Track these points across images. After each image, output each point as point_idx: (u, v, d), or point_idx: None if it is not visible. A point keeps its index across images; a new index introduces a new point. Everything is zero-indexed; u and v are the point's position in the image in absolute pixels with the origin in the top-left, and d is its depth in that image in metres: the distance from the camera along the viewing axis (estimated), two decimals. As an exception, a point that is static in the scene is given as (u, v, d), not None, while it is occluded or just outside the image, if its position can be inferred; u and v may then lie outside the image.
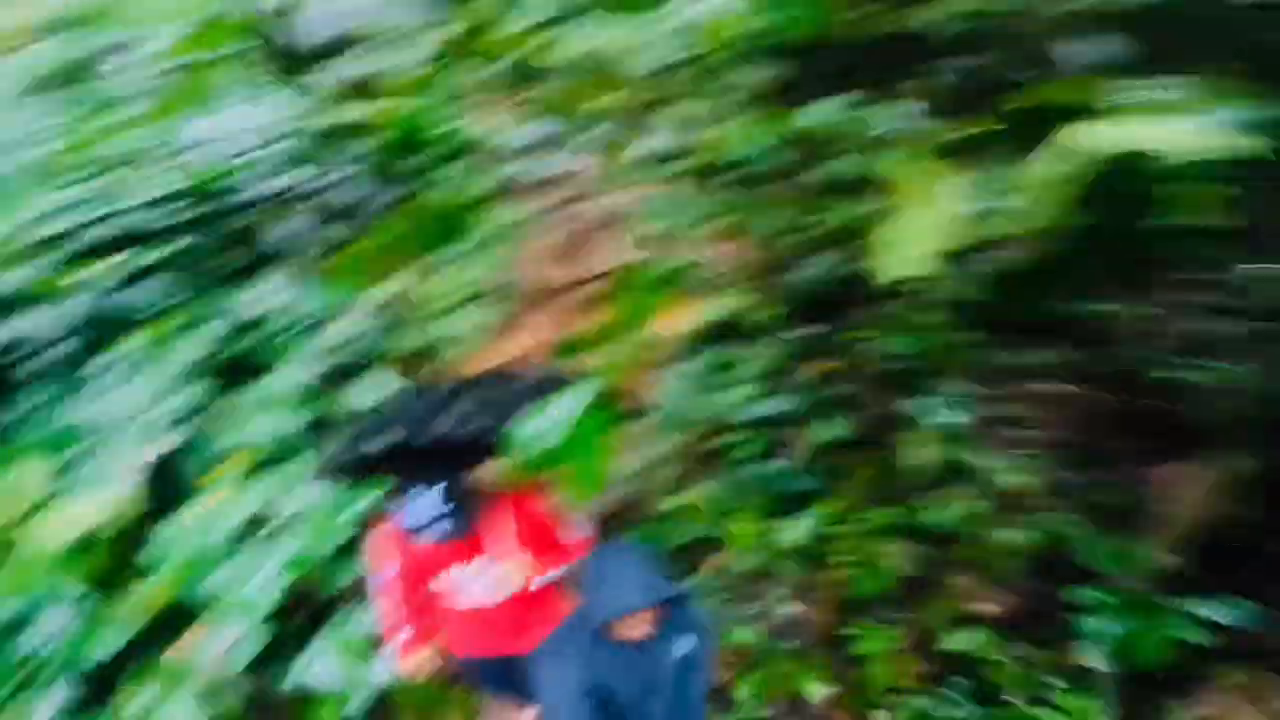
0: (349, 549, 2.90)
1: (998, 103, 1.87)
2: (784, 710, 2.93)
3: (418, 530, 2.03)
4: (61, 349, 3.58)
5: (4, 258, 4.43)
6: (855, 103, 2.77)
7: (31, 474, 2.81)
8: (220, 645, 2.47)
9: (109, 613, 2.55)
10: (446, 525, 2.02)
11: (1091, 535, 2.55)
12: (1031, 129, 1.59)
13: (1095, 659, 2.33)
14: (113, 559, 2.76)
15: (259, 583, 2.56)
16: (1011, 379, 3.00)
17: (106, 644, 2.50)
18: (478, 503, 2.13)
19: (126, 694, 2.44)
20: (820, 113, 2.87)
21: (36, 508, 2.71)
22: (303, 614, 2.91)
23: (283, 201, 4.83)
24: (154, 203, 4.95)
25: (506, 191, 5.52)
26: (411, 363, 4.44)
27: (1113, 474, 2.64)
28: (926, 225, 1.45)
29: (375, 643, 2.69)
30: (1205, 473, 2.61)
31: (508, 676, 2.63)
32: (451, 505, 2.01)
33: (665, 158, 5.59)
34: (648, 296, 2.56)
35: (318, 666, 2.60)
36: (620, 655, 1.85)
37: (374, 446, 2.01)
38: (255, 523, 2.90)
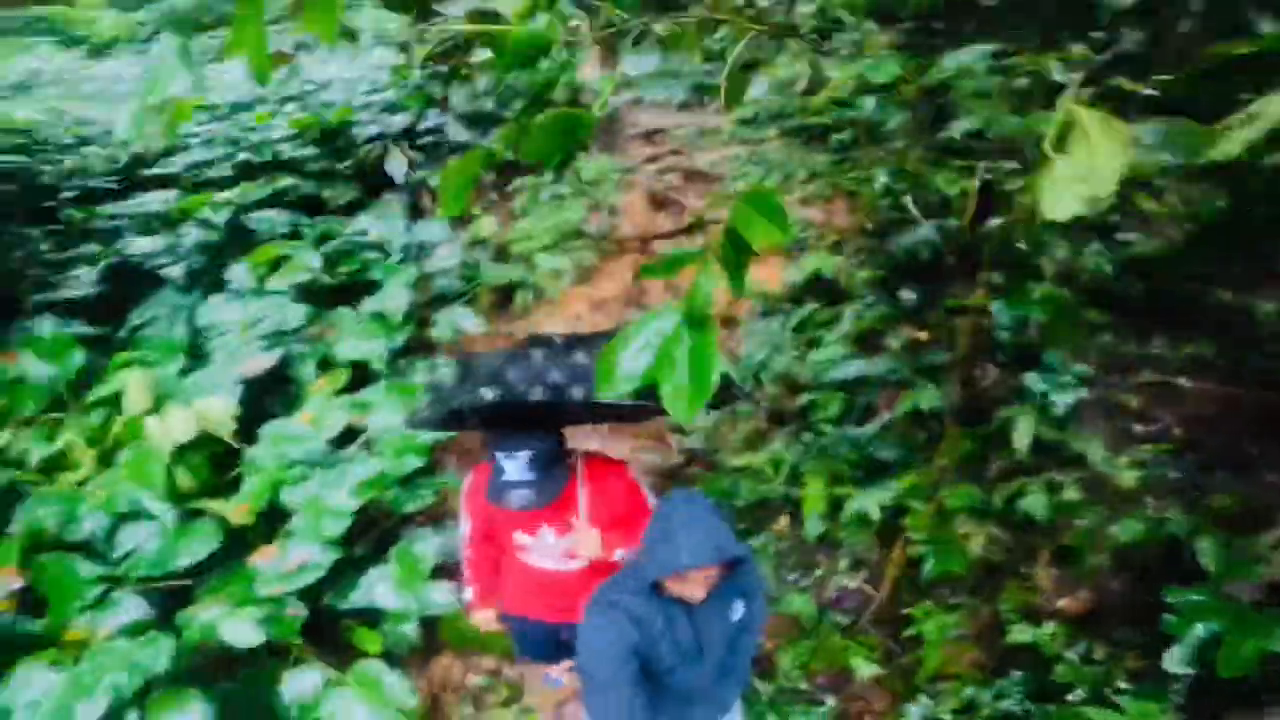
0: (423, 473, 3.02)
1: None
2: (824, 684, 2.81)
3: (499, 496, 1.91)
4: (187, 265, 3.88)
5: (147, 180, 4.89)
6: (1000, 53, 2.48)
7: (146, 380, 3.05)
8: (290, 563, 2.55)
9: (194, 526, 2.65)
10: (528, 494, 1.88)
11: (1203, 536, 2.23)
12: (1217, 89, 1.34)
13: (1176, 663, 2.06)
14: (208, 470, 2.92)
15: (335, 501, 2.65)
16: (1134, 366, 2.67)
17: (186, 557, 2.58)
18: (561, 474, 1.98)
19: (195, 608, 2.51)
20: (958, 61, 2.58)
21: (147, 413, 2.95)
22: (370, 538, 3.05)
23: (395, 140, 5.00)
24: (283, 138, 5.27)
25: (609, 138, 5.48)
26: (500, 297, 4.55)
27: (1239, 476, 2.31)
28: (1096, 167, 1.31)
29: (436, 570, 2.79)
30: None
31: (553, 642, 2.58)
32: (535, 474, 1.88)
33: (774, 115, 5.37)
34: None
35: (380, 588, 2.68)
36: (673, 612, 1.75)
37: (466, 403, 1.89)
38: (341, 438, 3.07)
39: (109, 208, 4.35)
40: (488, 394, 1.84)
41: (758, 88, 4.46)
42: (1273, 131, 1.38)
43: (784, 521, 2.99)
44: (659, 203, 5.15)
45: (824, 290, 3.58)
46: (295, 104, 5.83)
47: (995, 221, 2.50)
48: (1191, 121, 1.46)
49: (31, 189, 4.61)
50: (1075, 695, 2.15)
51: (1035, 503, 2.49)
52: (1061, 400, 2.38)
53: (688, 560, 1.57)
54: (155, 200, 4.45)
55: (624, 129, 5.61)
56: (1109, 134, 1.32)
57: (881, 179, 3.79)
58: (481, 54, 5.17)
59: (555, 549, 2.17)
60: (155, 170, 5.00)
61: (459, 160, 2.14)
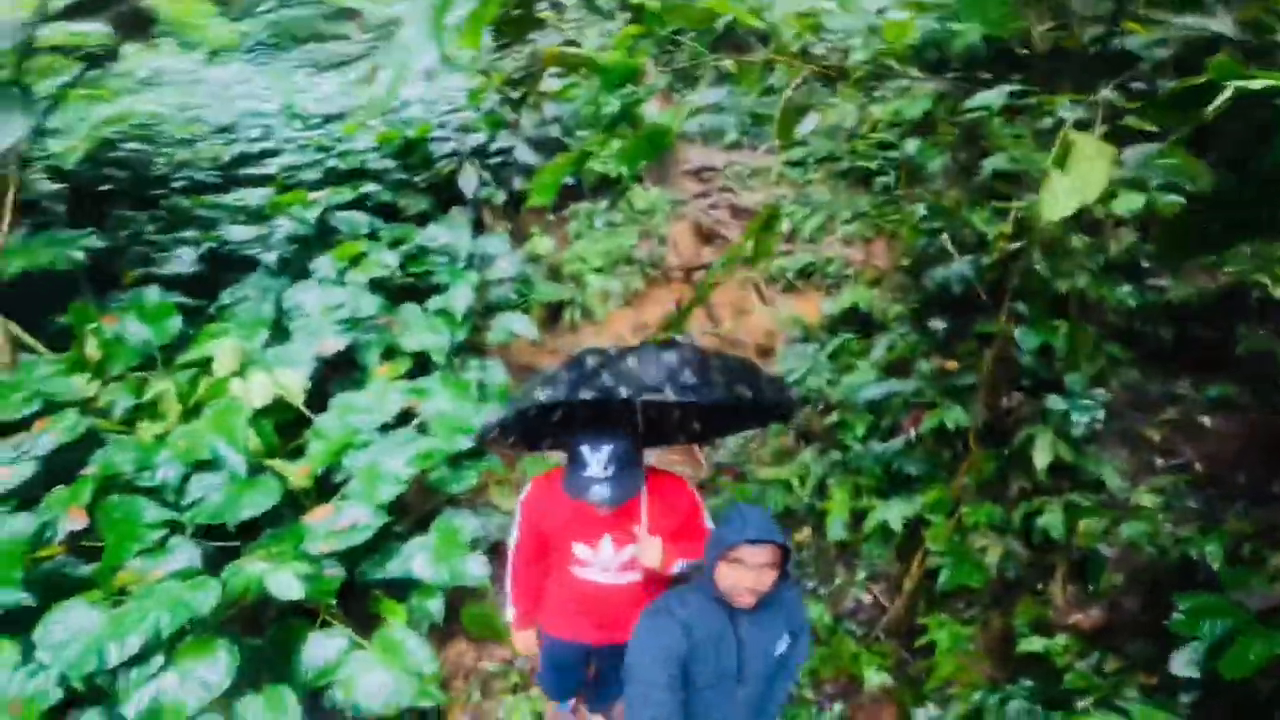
0: (471, 455, 3.17)
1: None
2: (831, 692, 2.86)
3: (577, 489, 1.88)
4: (279, 254, 4.21)
5: (246, 178, 5.31)
6: (1022, 93, 2.66)
7: (234, 347, 3.31)
8: (342, 522, 2.67)
9: (258, 481, 2.80)
10: (606, 490, 1.84)
11: (1215, 542, 2.28)
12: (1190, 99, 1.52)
13: (1183, 666, 2.08)
14: (276, 436, 3.09)
15: (391, 468, 2.81)
16: (1158, 402, 2.74)
17: (248, 509, 2.71)
18: (637, 477, 1.95)
19: (243, 560, 2.61)
20: (985, 100, 2.77)
21: (232, 376, 3.21)
22: (413, 517, 3.20)
23: (468, 157, 5.34)
24: (367, 149, 5.67)
25: (661, 172, 5.76)
26: (549, 314, 4.80)
27: (1258, 506, 2.34)
28: (1087, 178, 1.59)
29: (473, 545, 2.91)
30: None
31: (581, 667, 2.59)
32: (615, 471, 1.85)
33: (821, 159, 5.60)
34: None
35: (418, 558, 2.80)
36: (723, 630, 1.77)
37: (551, 396, 1.80)
38: (398, 420, 3.27)
39: (211, 198, 4.75)
40: (586, 391, 1.77)
41: (807, 124, 4.71)
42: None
43: (807, 532, 3.08)
44: (706, 236, 5.38)
45: (860, 322, 3.73)
46: (380, 119, 6.26)
47: (1021, 253, 2.63)
48: (1178, 149, 1.64)
49: (144, 178, 5.05)
50: (1084, 703, 2.18)
51: (1052, 520, 2.55)
52: (1080, 420, 2.46)
53: (752, 533, 1.64)
54: (254, 195, 4.85)
55: (676, 165, 5.88)
56: (1099, 153, 1.54)
57: (920, 215, 3.95)
58: (550, 83, 5.55)
59: (613, 561, 2.14)
60: (253, 170, 5.44)
61: (554, 160, 2.39)
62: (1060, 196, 1.50)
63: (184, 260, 4.15)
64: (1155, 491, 2.60)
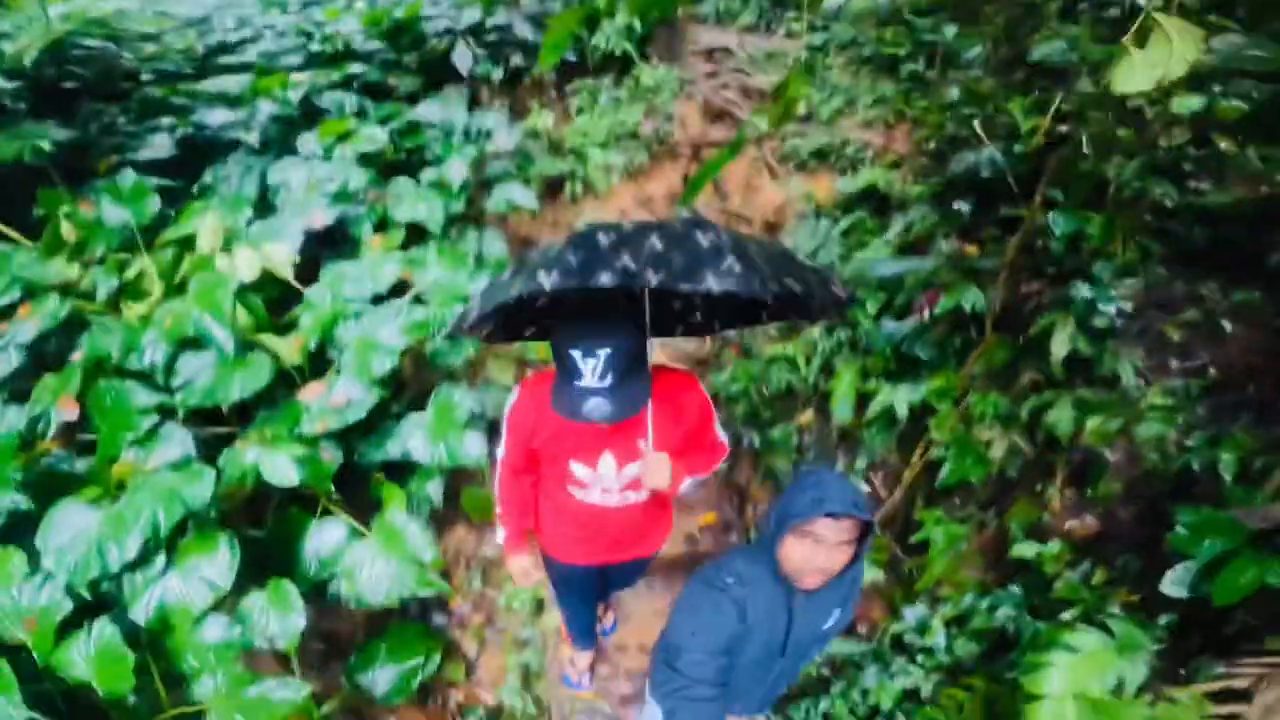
0: (457, 345, 3.03)
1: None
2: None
3: (569, 406, 1.54)
4: (261, 134, 3.95)
5: (222, 67, 4.96)
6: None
7: (217, 223, 3.10)
8: (337, 398, 2.57)
9: (248, 359, 2.68)
10: (605, 404, 1.51)
11: (1225, 450, 2.17)
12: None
13: (1173, 585, 2.02)
14: (265, 312, 2.96)
15: (384, 338, 2.68)
16: (1181, 303, 2.56)
17: (238, 390, 2.60)
18: (643, 383, 1.59)
19: (239, 446, 2.53)
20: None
21: (216, 252, 3.04)
22: (408, 397, 3.08)
23: (462, 34, 4.94)
24: (353, 31, 5.26)
25: (671, 50, 5.33)
26: (550, 188, 4.56)
27: (1266, 421, 2.22)
28: (1171, 55, 1.44)
29: (470, 422, 2.79)
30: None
31: (597, 584, 2.41)
32: (616, 378, 1.50)
33: (843, 45, 5.15)
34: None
35: (415, 437, 2.70)
36: (777, 609, 1.58)
37: (558, 282, 1.30)
38: (394, 291, 3.10)
39: (186, 86, 4.42)
40: (604, 275, 1.27)
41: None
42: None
43: (809, 414, 2.99)
44: (715, 114, 5.01)
45: (876, 201, 3.49)
46: (363, 2, 5.82)
47: (1062, 141, 2.39)
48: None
49: (111, 72, 4.70)
50: (1068, 614, 2.13)
51: (1061, 416, 2.41)
52: (1107, 309, 2.28)
53: (833, 505, 1.39)
54: (232, 83, 4.52)
55: (686, 44, 5.44)
56: (1186, 33, 1.40)
57: (952, 98, 3.63)
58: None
59: (615, 481, 1.85)
60: (230, 59, 5.07)
61: (560, 14, 2.12)
62: (1137, 72, 1.39)
63: (160, 145, 3.88)
64: (1168, 394, 2.46)
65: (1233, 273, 2.79)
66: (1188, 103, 2.14)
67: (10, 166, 3.23)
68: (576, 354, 1.48)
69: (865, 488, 3.00)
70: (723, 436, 1.92)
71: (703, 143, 4.87)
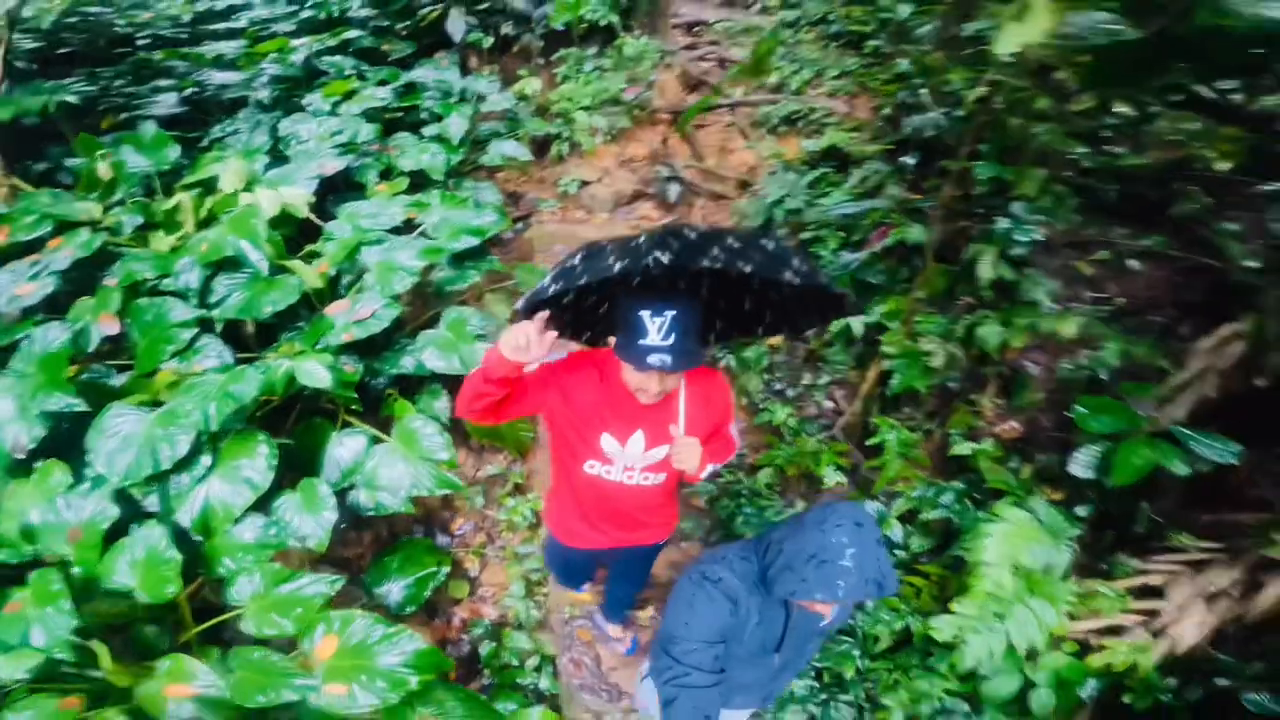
0: (472, 256, 3.42)
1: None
2: (794, 488, 3.30)
3: (633, 355, 1.62)
4: (267, 93, 4.28)
5: (214, 33, 5.26)
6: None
7: (237, 167, 3.44)
8: (361, 311, 2.91)
9: (278, 280, 2.99)
10: (666, 357, 1.59)
11: (1113, 355, 2.67)
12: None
13: (1080, 466, 2.52)
14: (284, 246, 3.24)
15: (403, 260, 3.04)
16: (1093, 245, 3.08)
17: (269, 306, 2.89)
18: (698, 350, 1.68)
19: (273, 355, 2.80)
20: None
21: (238, 191, 3.39)
22: (418, 325, 3.42)
23: (456, 4, 5.30)
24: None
25: (652, 23, 5.75)
26: (537, 148, 4.96)
27: (1165, 340, 2.73)
28: (1034, 26, 1.89)
29: (480, 337, 3.12)
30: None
31: (591, 566, 2.65)
32: (677, 338, 1.60)
33: (815, 21, 5.63)
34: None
35: (429, 351, 3.02)
36: (772, 609, 1.67)
37: (653, 258, 1.43)
38: (399, 230, 3.45)
39: (184, 50, 4.72)
40: (661, 253, 1.44)
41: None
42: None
43: (780, 339, 3.46)
44: (693, 84, 5.46)
45: (838, 159, 3.97)
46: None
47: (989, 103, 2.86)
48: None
49: (106, 37, 4.97)
50: (1001, 503, 2.56)
51: (990, 331, 2.92)
52: (1021, 239, 2.77)
53: (844, 594, 1.41)
54: (227, 48, 4.83)
55: (666, 17, 5.86)
56: (1049, 8, 1.85)
57: (902, 71, 4.11)
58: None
59: (640, 460, 1.96)
60: (219, 25, 5.37)
61: None
62: (1009, 38, 1.85)
63: (166, 103, 4.20)
64: (1080, 317, 2.96)
65: (1141, 222, 3.33)
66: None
67: (16, 124, 3.51)
68: (645, 314, 1.60)
69: (829, 404, 3.46)
70: (736, 434, 2.08)
71: (681, 109, 5.30)
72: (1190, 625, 2.43)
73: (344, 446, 2.83)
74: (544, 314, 1.60)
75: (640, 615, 3.07)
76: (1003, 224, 2.86)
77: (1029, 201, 2.92)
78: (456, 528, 3.59)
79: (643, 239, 1.49)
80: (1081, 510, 2.68)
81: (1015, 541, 2.37)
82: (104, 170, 3.29)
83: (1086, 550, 2.70)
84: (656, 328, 1.60)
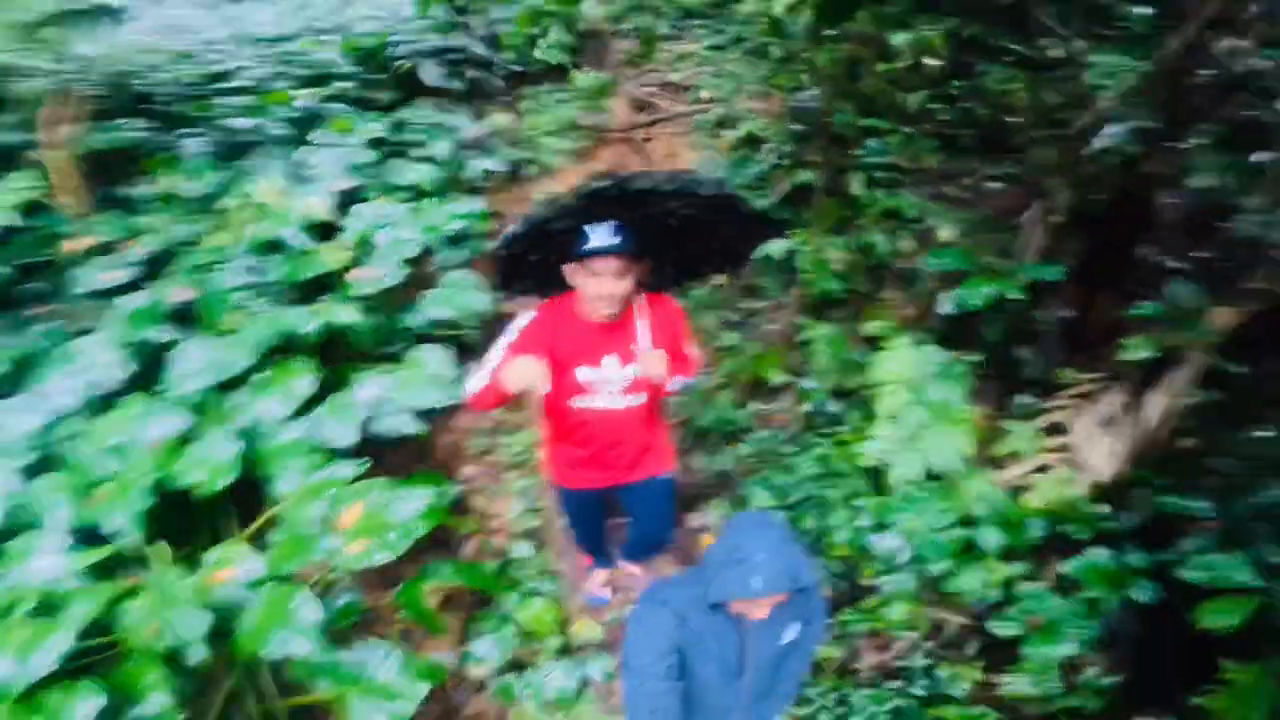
0: (458, 241, 4.39)
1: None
2: (745, 391, 4.16)
3: (582, 248, 2.01)
4: (280, 134, 5.31)
5: (223, 91, 6.34)
6: None
7: (269, 184, 4.40)
8: (378, 273, 3.80)
9: (308, 255, 3.89)
10: (614, 241, 1.99)
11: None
12: None
13: (945, 305, 3.41)
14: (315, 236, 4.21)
15: (408, 235, 3.97)
16: (959, 175, 4.14)
17: (306, 273, 3.76)
18: (636, 244, 2.06)
19: (312, 307, 3.59)
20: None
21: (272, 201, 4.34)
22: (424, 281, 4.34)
23: (428, 56, 6.44)
24: (331, 59, 6.71)
25: (600, 58, 6.93)
26: (511, 171, 6.00)
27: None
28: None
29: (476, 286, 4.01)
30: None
31: (603, 508, 2.91)
32: (620, 236, 2.01)
33: (735, 40, 6.84)
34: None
35: (434, 307, 3.92)
36: (723, 627, 1.79)
37: (570, 200, 1.93)
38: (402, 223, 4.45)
39: (201, 103, 5.78)
40: (599, 185, 1.90)
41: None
42: None
43: (724, 277, 4.41)
44: (640, 106, 6.58)
45: (754, 143, 5.04)
46: (330, 35, 7.30)
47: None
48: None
49: (130, 94, 6.03)
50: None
51: (878, 240, 3.90)
52: (876, 160, 3.80)
53: (761, 588, 1.56)
54: (234, 102, 5.90)
55: (613, 53, 7.05)
56: None
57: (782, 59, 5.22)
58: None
59: (618, 381, 2.28)
60: (224, 85, 6.45)
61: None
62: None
63: (195, 146, 5.19)
64: (952, 223, 3.95)
65: (994, 155, 4.37)
66: (900, 36, 3.68)
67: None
68: (590, 229, 2.01)
69: (772, 326, 4.37)
70: (696, 349, 2.47)
71: (631, 126, 6.40)
72: (1098, 454, 3.05)
73: (367, 386, 3.49)
74: (545, 365, 2.03)
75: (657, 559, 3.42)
76: (864, 155, 3.88)
77: (880, 139, 3.95)
78: (464, 474, 4.39)
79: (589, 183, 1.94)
80: (972, 358, 3.44)
81: (904, 359, 3.19)
82: (170, 184, 4.24)
83: (987, 398, 3.51)
84: (600, 234, 2.01)
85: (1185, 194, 2.95)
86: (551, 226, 2.05)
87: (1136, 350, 2.82)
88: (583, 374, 2.27)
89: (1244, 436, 2.85)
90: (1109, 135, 2.92)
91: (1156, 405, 2.97)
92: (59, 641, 2.24)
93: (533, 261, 2.22)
